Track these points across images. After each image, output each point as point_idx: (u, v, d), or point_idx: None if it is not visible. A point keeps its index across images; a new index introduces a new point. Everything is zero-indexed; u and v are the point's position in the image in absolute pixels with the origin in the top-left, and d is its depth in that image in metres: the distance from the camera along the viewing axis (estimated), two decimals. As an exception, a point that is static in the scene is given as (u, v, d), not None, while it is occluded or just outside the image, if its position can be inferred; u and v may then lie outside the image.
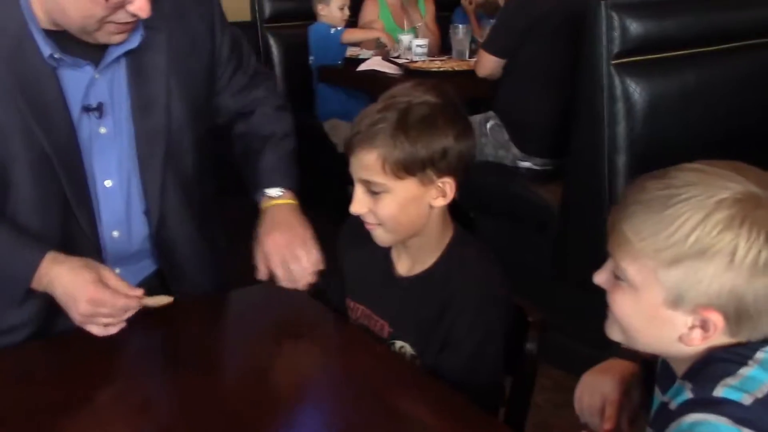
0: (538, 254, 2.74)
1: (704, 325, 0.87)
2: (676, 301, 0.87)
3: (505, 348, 1.28)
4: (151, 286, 1.42)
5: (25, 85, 1.26)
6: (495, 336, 1.27)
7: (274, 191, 1.52)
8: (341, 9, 3.83)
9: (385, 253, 1.38)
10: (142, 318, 1.31)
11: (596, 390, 1.12)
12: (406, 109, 1.23)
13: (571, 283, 2.61)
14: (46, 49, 1.26)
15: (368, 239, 1.36)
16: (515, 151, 3.00)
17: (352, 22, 4.00)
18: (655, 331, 0.91)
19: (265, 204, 1.51)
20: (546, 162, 2.97)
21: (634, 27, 2.38)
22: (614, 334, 0.97)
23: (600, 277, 0.95)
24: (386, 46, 3.85)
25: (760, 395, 0.84)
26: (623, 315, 0.93)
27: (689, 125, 2.49)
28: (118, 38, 1.28)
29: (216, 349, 1.36)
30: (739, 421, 0.82)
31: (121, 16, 1.23)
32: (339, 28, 3.80)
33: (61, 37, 1.27)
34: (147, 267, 1.51)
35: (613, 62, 2.39)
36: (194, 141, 1.46)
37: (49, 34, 1.26)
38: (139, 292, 1.29)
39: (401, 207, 1.25)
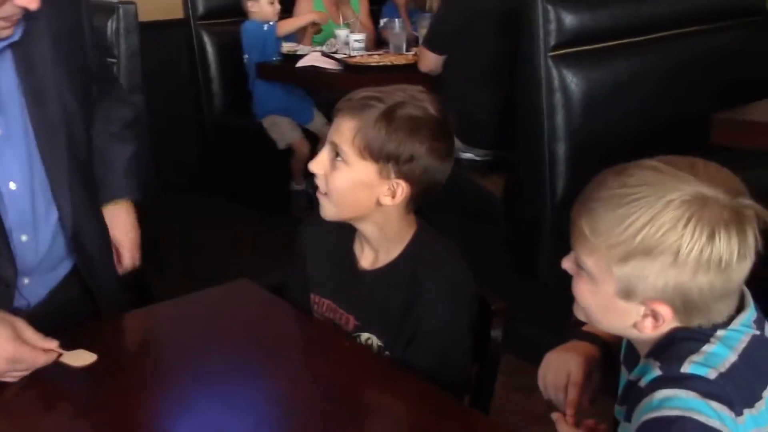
0: (488, 245, 2.78)
1: (654, 315, 0.94)
2: (627, 293, 0.93)
3: (472, 338, 1.31)
4: (68, 290, 1.45)
5: None
6: (463, 328, 1.30)
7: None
8: (271, 3, 3.79)
9: (347, 247, 1.40)
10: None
11: (561, 368, 1.16)
12: (401, 103, 1.26)
13: (522, 271, 2.68)
14: None
15: (330, 234, 1.38)
16: (458, 142, 3.04)
17: (285, 18, 3.98)
18: (612, 317, 0.98)
19: (108, 206, 1.60)
20: (487, 153, 3.02)
21: (570, 19, 2.45)
22: (579, 315, 1.03)
23: (566, 264, 1.00)
24: (321, 25, 3.87)
25: (723, 369, 0.90)
26: (584, 301, 0.99)
27: (625, 113, 2.58)
28: (5, 33, 1.24)
29: (179, 354, 1.35)
30: (705, 394, 0.88)
31: (7, 10, 1.19)
32: (272, 23, 3.77)
33: None
34: (60, 271, 1.46)
35: (551, 54, 2.45)
36: (86, 129, 1.46)
37: None
38: (55, 344, 1.23)
39: (351, 185, 1.28)
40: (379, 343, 1.35)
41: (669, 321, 0.94)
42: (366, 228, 1.35)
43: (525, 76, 2.51)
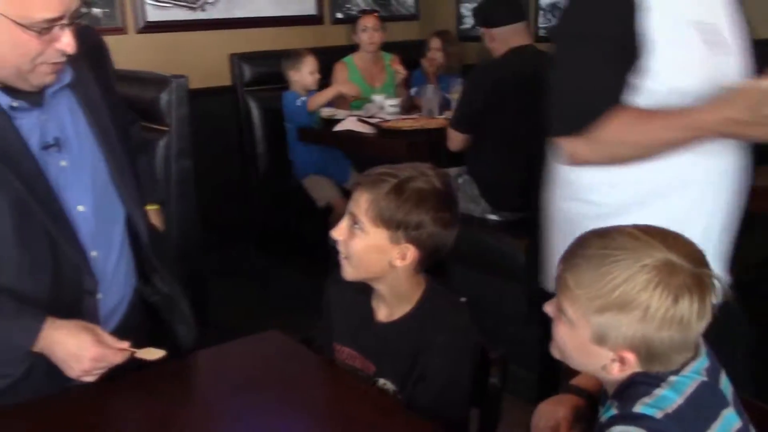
0: (510, 300, 2.92)
1: (621, 360, 1.09)
2: (600, 340, 1.09)
3: (472, 382, 1.46)
4: (133, 308, 1.65)
5: None
6: (463, 374, 1.47)
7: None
8: (312, 73, 4.03)
9: (367, 301, 1.58)
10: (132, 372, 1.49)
11: (551, 417, 1.31)
12: (411, 178, 1.45)
13: (543, 325, 2.80)
14: (5, 99, 1.39)
15: (351, 290, 1.55)
16: (485, 205, 3.20)
17: (325, 84, 4.21)
18: (584, 358, 1.14)
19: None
20: (513, 215, 3.17)
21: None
22: (555, 353, 1.18)
23: (548, 308, 1.17)
24: (352, 97, 4.08)
25: (669, 411, 1.05)
26: (561, 342, 1.15)
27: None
28: (50, 78, 1.43)
29: (211, 400, 1.52)
30: (653, 431, 1.02)
31: (51, 55, 1.38)
32: (304, 98, 3.99)
33: (8, 89, 1.41)
34: (123, 289, 1.65)
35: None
36: (128, 154, 1.66)
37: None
38: (127, 344, 1.47)
39: (367, 249, 1.47)
40: (394, 388, 1.51)
41: (633, 366, 1.09)
42: (381, 287, 1.53)
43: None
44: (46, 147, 1.45)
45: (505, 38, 3.17)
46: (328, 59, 4.25)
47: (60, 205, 1.47)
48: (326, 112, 4.02)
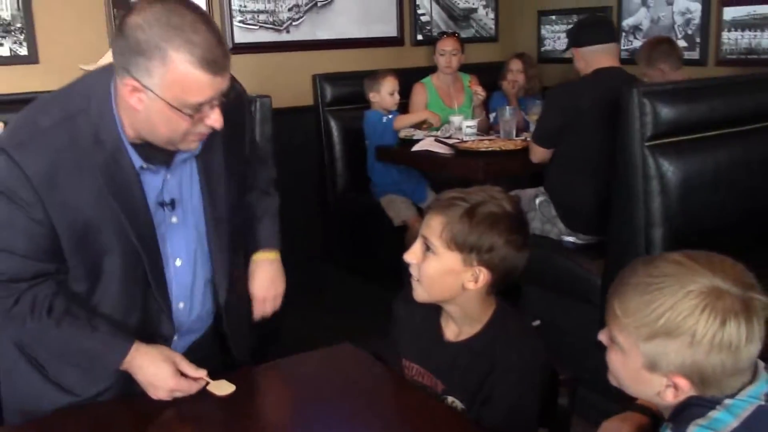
0: (579, 321, 2.90)
1: (675, 386, 1.10)
2: (652, 367, 1.10)
3: (541, 403, 1.47)
4: (204, 343, 1.73)
5: (118, 189, 1.47)
6: (531, 395, 1.48)
7: (267, 251, 1.85)
8: (391, 94, 4.10)
9: (435, 320, 1.61)
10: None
11: None
12: (483, 202, 1.48)
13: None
14: (138, 160, 1.49)
15: (419, 309, 1.59)
16: (561, 226, 3.19)
17: (403, 104, 4.28)
18: (639, 385, 1.15)
19: (257, 257, 1.84)
20: (589, 238, 3.15)
21: (665, 111, 2.59)
22: (613, 382, 1.20)
23: (601, 336, 1.19)
24: (432, 125, 4.13)
25: None
26: (616, 370, 1.17)
27: (722, 199, 2.66)
28: (195, 145, 1.52)
29: (282, 408, 1.59)
30: None
31: (200, 129, 1.47)
32: (390, 116, 4.07)
33: (142, 148, 1.51)
34: (202, 330, 1.75)
35: (647, 144, 2.59)
36: (241, 217, 1.74)
37: (134, 146, 1.50)
38: (204, 373, 1.56)
39: (440, 272, 1.50)
40: (462, 406, 1.53)
41: (686, 391, 1.10)
42: (451, 308, 1.56)
43: (622, 164, 2.65)
44: (162, 204, 1.56)
45: (591, 58, 3.15)
46: (408, 80, 4.32)
47: (161, 257, 1.58)
48: (404, 132, 4.08)
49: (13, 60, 3.80)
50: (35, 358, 1.60)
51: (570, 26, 4.85)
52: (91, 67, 3.09)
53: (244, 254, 1.82)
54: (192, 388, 1.54)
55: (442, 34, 4.53)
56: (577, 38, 3.23)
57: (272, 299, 1.82)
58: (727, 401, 1.08)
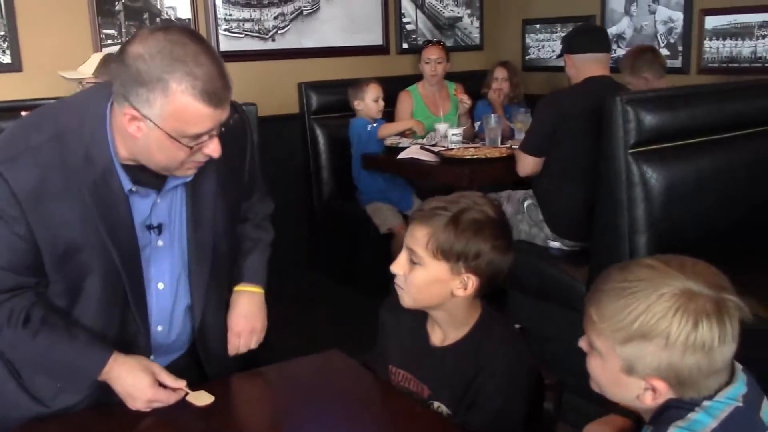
0: (564, 327, 2.91)
1: (653, 389, 1.11)
2: (629, 370, 1.12)
3: (527, 407, 1.48)
4: (182, 362, 1.71)
5: (104, 210, 1.46)
6: (517, 399, 1.48)
7: (251, 285, 1.82)
8: (375, 101, 4.11)
9: (421, 325, 1.61)
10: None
11: None
12: (465, 209, 1.49)
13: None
14: (127, 183, 1.48)
15: (405, 314, 1.59)
16: (547, 231, 3.21)
17: (389, 112, 4.28)
18: (618, 390, 1.16)
19: (239, 288, 1.80)
20: (575, 244, 3.17)
21: (648, 119, 2.61)
22: (594, 387, 1.21)
23: (581, 343, 1.20)
24: (417, 133, 4.14)
25: None
26: (596, 375, 1.18)
27: (705, 207, 2.69)
28: (191, 172, 1.52)
29: (270, 415, 1.59)
30: None
31: (198, 157, 1.47)
32: (375, 125, 4.07)
33: (134, 169, 1.50)
34: (180, 351, 1.74)
35: (630, 151, 2.61)
36: (229, 246, 1.73)
37: (125, 167, 1.48)
38: (183, 383, 1.55)
39: (427, 282, 1.50)
40: (448, 411, 1.53)
41: (665, 394, 1.11)
42: (438, 314, 1.56)
43: (606, 171, 2.67)
44: (149, 227, 1.56)
45: (583, 67, 3.19)
46: (393, 88, 4.34)
47: (143, 280, 1.57)
48: (390, 140, 4.09)
49: (-3, 68, 3.79)
50: (12, 364, 1.59)
51: (554, 35, 4.89)
52: (70, 75, 3.09)
53: (228, 285, 1.79)
54: (171, 398, 1.53)
55: (427, 42, 4.55)
56: (570, 45, 3.26)
57: (248, 333, 1.76)
58: (706, 403, 1.09)
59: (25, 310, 1.48)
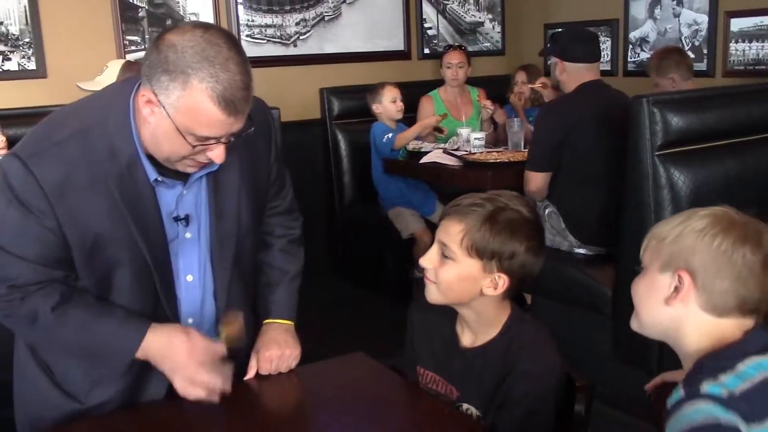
0: (590, 332, 2.88)
1: (680, 282, 1.21)
2: (665, 266, 1.24)
3: (557, 409, 1.46)
4: None
5: (131, 203, 1.46)
6: (547, 400, 1.46)
7: (279, 319, 1.80)
8: (393, 102, 4.08)
9: (451, 327, 1.59)
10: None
11: None
12: (502, 208, 1.47)
13: (629, 361, 2.75)
14: (152, 173, 1.48)
15: (435, 315, 1.57)
16: (571, 239, 3.16)
17: (410, 117, 4.25)
18: (649, 301, 1.26)
19: (268, 321, 1.79)
20: (600, 250, 3.13)
21: (675, 121, 2.58)
22: (634, 325, 1.32)
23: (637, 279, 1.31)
24: (441, 131, 4.12)
25: (735, 392, 1.10)
26: (637, 295, 1.29)
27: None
28: (192, 170, 1.51)
29: (295, 417, 1.57)
30: (720, 402, 1.09)
31: (200, 158, 1.46)
32: (390, 136, 4.02)
33: (157, 161, 1.50)
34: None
35: (657, 153, 2.58)
36: (252, 244, 1.72)
37: (150, 159, 1.50)
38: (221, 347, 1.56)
39: (458, 278, 1.48)
40: (478, 413, 1.52)
41: (690, 289, 1.21)
42: (467, 313, 1.54)
43: (633, 174, 2.64)
44: (176, 219, 1.55)
45: (578, 74, 3.18)
46: (415, 93, 4.32)
47: (172, 272, 1.58)
48: (412, 144, 4.07)
49: (21, 74, 3.82)
50: (44, 360, 1.59)
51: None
52: (88, 86, 3.09)
53: (252, 285, 1.78)
54: (214, 348, 1.54)
55: (449, 47, 4.53)
56: (565, 52, 3.20)
57: (278, 359, 1.70)
58: (740, 367, 1.13)
59: (58, 296, 1.49)
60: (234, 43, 1.41)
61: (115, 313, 1.52)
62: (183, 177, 1.54)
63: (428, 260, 1.52)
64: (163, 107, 1.38)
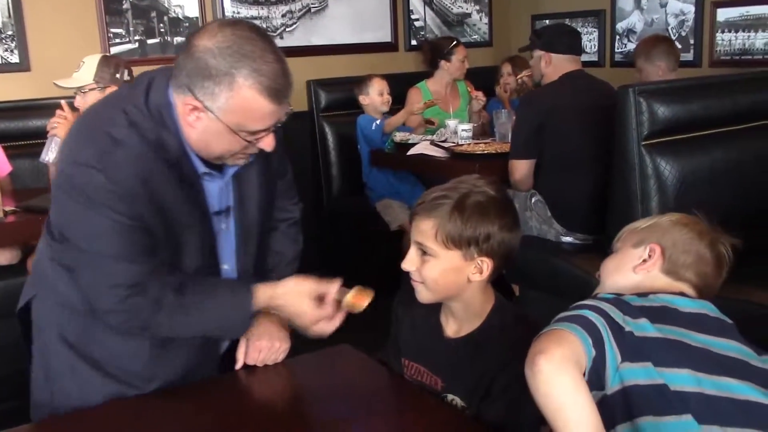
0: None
1: (651, 252, 1.40)
2: (638, 243, 1.43)
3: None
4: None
5: (184, 194, 1.50)
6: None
7: None
8: (380, 95, 4.09)
9: (435, 317, 1.58)
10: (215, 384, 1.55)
11: None
12: (467, 194, 1.47)
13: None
14: (200, 166, 1.52)
15: (419, 306, 1.57)
16: (557, 227, 3.18)
17: (398, 109, 4.24)
18: (619, 271, 1.44)
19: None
20: (587, 237, 3.14)
21: (661, 110, 2.58)
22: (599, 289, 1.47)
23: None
24: (431, 123, 4.12)
25: (630, 302, 1.30)
26: (605, 269, 1.48)
27: (717, 199, 2.64)
28: (242, 162, 1.55)
29: (281, 409, 1.57)
30: (605, 300, 1.31)
31: (251, 149, 1.50)
32: (379, 122, 4.05)
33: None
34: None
35: (643, 143, 2.58)
36: (261, 231, 1.73)
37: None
38: (337, 284, 1.71)
39: (443, 272, 1.47)
40: (462, 404, 1.51)
41: (657, 259, 1.40)
42: (455, 303, 1.54)
43: (619, 163, 2.65)
44: (218, 213, 1.59)
45: (561, 65, 3.27)
46: (402, 85, 4.31)
47: (218, 261, 1.63)
48: (400, 136, 4.06)
49: (5, 68, 3.79)
50: (91, 356, 1.60)
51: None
52: (66, 83, 3.04)
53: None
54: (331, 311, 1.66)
55: (455, 43, 4.45)
56: (550, 43, 3.30)
57: (268, 350, 1.71)
58: (650, 295, 1.33)
59: (171, 279, 1.52)
60: (262, 32, 1.45)
61: (218, 283, 1.60)
62: (220, 169, 1.56)
63: (409, 262, 1.51)
64: (211, 112, 1.40)
